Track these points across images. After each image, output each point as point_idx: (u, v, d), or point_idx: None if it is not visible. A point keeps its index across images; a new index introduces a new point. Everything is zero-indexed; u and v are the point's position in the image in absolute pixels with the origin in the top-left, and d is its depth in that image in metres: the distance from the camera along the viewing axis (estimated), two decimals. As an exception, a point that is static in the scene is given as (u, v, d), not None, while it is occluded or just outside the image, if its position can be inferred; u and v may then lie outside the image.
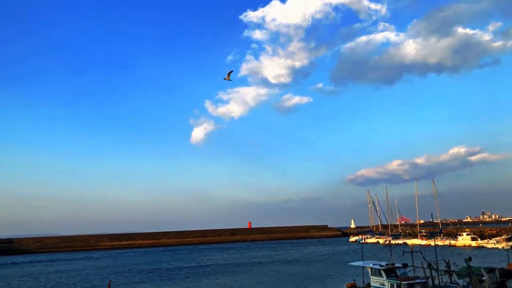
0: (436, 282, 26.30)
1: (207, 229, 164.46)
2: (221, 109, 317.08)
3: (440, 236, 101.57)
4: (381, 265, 28.79)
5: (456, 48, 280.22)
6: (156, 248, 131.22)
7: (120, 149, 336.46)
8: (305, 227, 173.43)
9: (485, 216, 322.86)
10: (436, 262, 27.50)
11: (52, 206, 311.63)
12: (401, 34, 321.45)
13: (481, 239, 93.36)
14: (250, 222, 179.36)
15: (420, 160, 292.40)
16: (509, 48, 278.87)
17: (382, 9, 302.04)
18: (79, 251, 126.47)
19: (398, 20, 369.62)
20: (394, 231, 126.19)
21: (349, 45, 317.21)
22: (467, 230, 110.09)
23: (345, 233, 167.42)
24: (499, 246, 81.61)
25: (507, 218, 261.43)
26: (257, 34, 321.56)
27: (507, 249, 67.17)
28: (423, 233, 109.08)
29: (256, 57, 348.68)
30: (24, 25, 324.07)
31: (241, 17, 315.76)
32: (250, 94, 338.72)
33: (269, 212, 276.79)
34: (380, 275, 28.08)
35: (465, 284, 26.19)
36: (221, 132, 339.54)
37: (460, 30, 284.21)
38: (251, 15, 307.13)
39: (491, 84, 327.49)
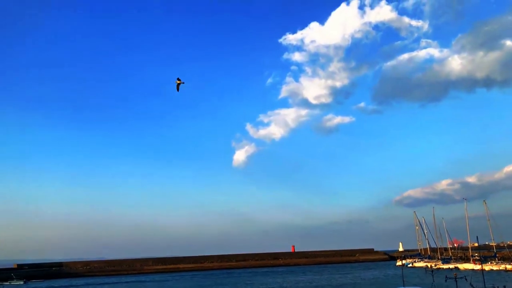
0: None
1: (249, 253, 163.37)
2: (262, 132, 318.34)
3: (495, 260, 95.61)
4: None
5: (505, 61, 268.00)
6: (199, 272, 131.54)
7: (164, 173, 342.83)
8: (350, 251, 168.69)
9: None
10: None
11: (99, 231, 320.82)
12: (445, 50, 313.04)
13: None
14: (294, 246, 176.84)
15: (471, 179, 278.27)
16: None
17: (423, 25, 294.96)
18: (124, 274, 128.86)
19: (441, 36, 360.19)
20: (444, 254, 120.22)
21: (390, 63, 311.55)
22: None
23: (392, 256, 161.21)
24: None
25: None
26: (297, 56, 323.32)
27: None
28: (476, 257, 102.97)
29: (296, 78, 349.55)
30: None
31: (280, 40, 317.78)
32: (290, 115, 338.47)
33: (313, 236, 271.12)
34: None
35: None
36: (262, 154, 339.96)
37: (509, 43, 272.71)
38: (290, 38, 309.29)
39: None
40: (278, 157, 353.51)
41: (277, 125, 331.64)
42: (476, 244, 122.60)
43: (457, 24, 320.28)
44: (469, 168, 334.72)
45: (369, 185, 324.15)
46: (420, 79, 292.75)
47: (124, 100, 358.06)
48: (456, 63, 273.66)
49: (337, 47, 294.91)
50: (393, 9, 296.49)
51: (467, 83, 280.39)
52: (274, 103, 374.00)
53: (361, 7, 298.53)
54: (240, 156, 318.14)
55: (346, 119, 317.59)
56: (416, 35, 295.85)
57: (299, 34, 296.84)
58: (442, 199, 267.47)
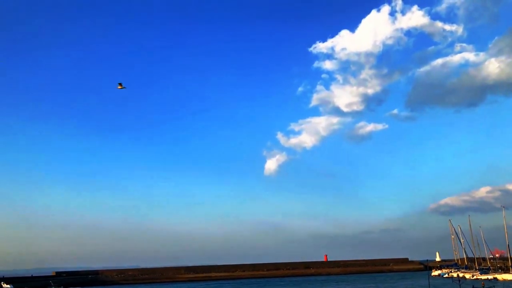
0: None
1: (280, 262, 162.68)
2: (293, 140, 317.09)
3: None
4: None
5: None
6: (230, 280, 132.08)
7: (197, 182, 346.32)
8: (383, 260, 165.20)
9: None
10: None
11: (133, 239, 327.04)
12: (481, 54, 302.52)
13: None
14: (326, 255, 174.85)
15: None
16: None
17: (458, 29, 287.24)
18: (157, 283, 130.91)
19: (477, 39, 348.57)
20: (482, 264, 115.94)
21: (424, 69, 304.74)
22: None
23: (428, 266, 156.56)
24: None
25: None
26: (327, 65, 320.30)
27: None
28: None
29: (327, 87, 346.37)
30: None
31: (311, 49, 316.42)
32: (322, 123, 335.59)
33: (345, 245, 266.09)
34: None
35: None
36: (293, 163, 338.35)
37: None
38: (321, 46, 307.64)
39: None
40: (310, 165, 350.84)
41: (308, 133, 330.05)
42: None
43: (493, 27, 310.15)
44: (510, 175, 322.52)
45: (403, 193, 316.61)
46: (455, 84, 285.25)
47: (158, 111, 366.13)
48: (494, 66, 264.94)
49: (368, 54, 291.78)
50: (425, 14, 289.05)
51: (506, 87, 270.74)
52: (305, 111, 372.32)
53: (392, 13, 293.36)
54: (271, 165, 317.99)
55: (379, 127, 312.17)
56: (450, 39, 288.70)
57: (330, 42, 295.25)
58: (482, 207, 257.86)
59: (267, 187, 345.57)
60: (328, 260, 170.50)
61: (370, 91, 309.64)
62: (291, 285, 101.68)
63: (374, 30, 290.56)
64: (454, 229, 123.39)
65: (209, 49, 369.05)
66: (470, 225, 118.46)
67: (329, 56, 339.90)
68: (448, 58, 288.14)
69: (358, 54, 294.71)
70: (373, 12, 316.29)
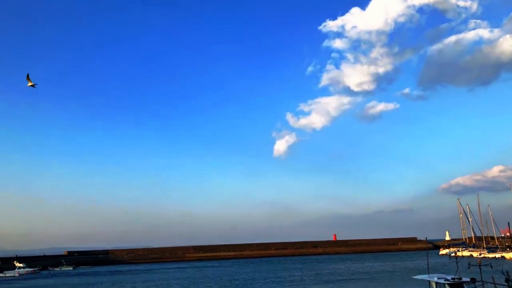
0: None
1: (288, 241, 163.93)
2: (303, 121, 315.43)
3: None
4: (446, 279, 26.70)
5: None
6: (238, 259, 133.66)
7: (207, 164, 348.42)
8: (391, 240, 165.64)
9: None
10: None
11: (143, 220, 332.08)
12: (496, 30, 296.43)
13: None
14: (335, 235, 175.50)
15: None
16: None
17: (472, 5, 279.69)
18: (166, 262, 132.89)
19: (491, 16, 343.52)
20: (491, 243, 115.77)
21: (436, 46, 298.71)
22: None
23: (437, 245, 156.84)
24: None
25: None
26: (338, 43, 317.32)
27: None
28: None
29: (337, 66, 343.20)
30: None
31: (320, 27, 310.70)
32: (332, 104, 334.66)
33: (356, 225, 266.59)
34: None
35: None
36: (303, 144, 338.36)
37: None
38: (331, 25, 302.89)
39: None
40: (320, 146, 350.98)
41: (318, 114, 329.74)
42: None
43: (508, 2, 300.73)
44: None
45: (414, 173, 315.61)
46: (468, 62, 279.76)
47: (172, 97, 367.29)
48: (508, 43, 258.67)
49: (379, 32, 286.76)
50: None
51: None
52: (314, 91, 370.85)
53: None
54: (280, 146, 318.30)
55: (390, 106, 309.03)
56: (464, 16, 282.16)
57: (340, 21, 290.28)
58: (494, 186, 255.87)
59: (277, 168, 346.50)
60: (337, 239, 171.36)
61: (381, 70, 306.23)
62: (299, 263, 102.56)
63: (385, 8, 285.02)
64: (463, 208, 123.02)
65: (218, 28, 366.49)
66: (478, 203, 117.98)
67: (339, 34, 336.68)
68: (461, 35, 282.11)
69: (369, 32, 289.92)
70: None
